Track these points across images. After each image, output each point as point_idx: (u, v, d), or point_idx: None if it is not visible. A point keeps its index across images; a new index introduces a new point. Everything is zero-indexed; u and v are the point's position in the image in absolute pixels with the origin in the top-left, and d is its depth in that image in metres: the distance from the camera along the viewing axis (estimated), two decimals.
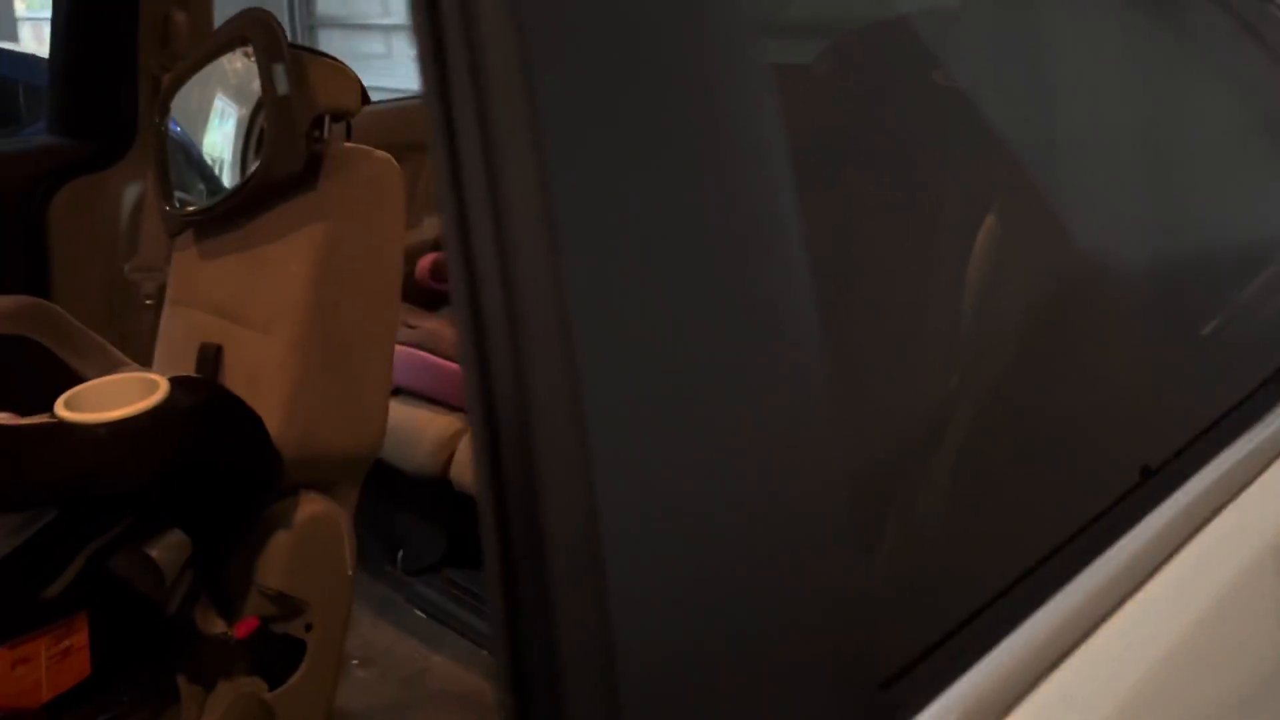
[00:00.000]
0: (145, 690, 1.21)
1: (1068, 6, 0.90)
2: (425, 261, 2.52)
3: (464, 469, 1.96)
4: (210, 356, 1.43)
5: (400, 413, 2.10)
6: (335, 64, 1.46)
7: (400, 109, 2.64)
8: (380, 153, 1.44)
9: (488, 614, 0.47)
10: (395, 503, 2.12)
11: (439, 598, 2.08)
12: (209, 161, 1.52)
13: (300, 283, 1.37)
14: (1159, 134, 0.97)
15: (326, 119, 1.46)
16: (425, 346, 2.09)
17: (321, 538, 1.39)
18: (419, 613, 2.08)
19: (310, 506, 1.38)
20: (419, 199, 2.71)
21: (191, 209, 1.52)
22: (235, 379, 1.40)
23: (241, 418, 1.28)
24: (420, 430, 2.04)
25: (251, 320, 1.41)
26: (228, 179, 1.48)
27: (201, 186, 1.53)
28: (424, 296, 2.57)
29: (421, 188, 2.71)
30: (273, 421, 1.33)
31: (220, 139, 1.48)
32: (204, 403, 1.24)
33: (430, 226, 2.70)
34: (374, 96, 1.56)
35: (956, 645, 0.60)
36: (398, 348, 2.12)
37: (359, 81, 1.48)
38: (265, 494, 1.34)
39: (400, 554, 2.19)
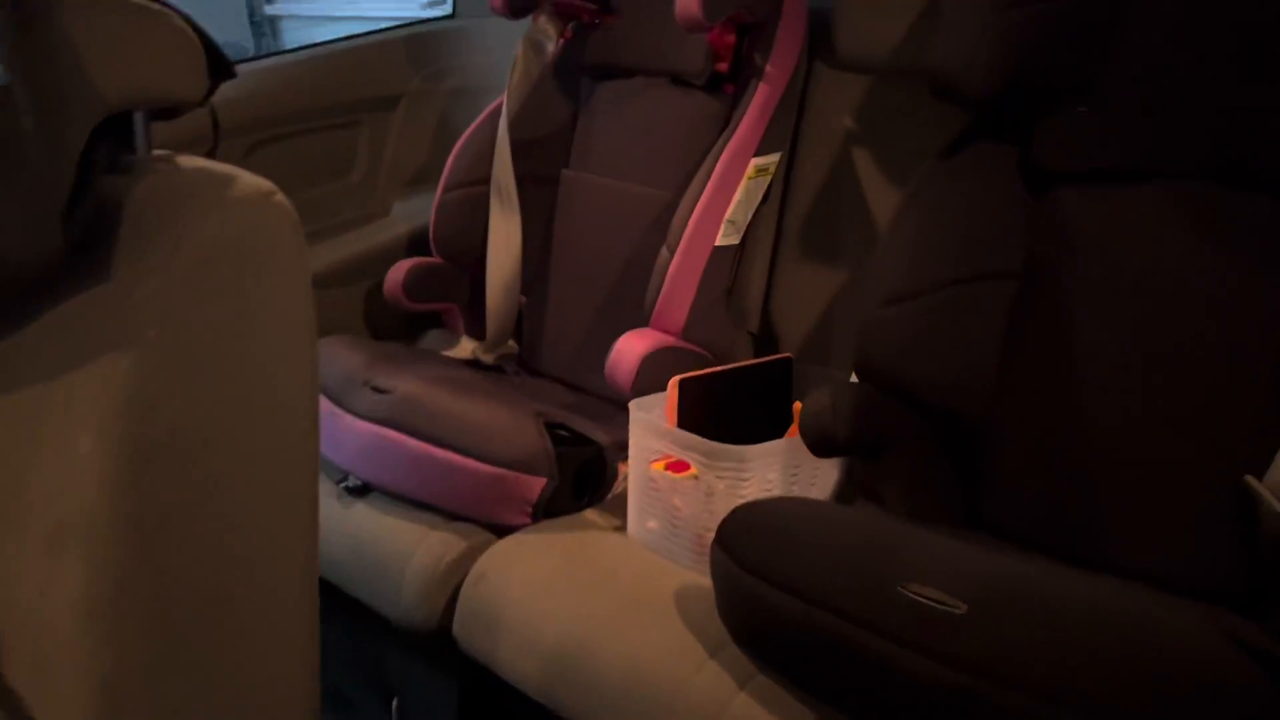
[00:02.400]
0: None
1: None
2: (399, 271, 1.79)
3: (473, 622, 1.29)
4: None
5: (368, 525, 1.41)
6: (149, 7, 0.74)
7: (354, 51, 1.89)
8: (249, 182, 0.73)
9: None
10: (383, 639, 1.45)
11: None
12: None
13: (96, 473, 0.67)
14: None
15: (139, 119, 0.75)
16: (401, 422, 1.40)
17: None
18: None
19: None
20: (383, 176, 2.02)
21: None
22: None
23: None
24: (399, 561, 1.36)
25: (23, 539, 0.71)
26: None
27: None
28: (392, 322, 1.86)
29: (389, 159, 1.99)
30: None
31: None
32: None
33: (402, 216, 1.97)
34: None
35: None
36: (357, 425, 1.42)
37: (200, 35, 0.76)
38: None
39: (395, 704, 1.52)
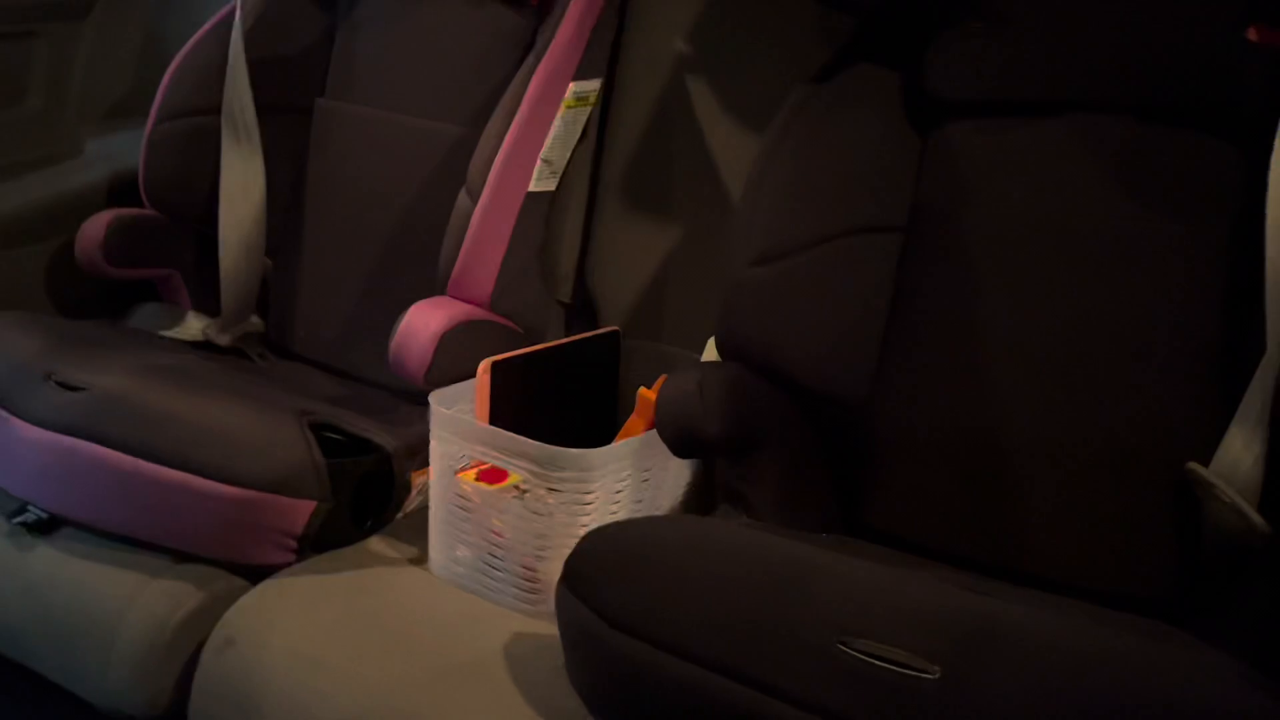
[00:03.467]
0: None
1: None
2: (97, 225, 1.37)
3: (216, 708, 0.92)
4: None
5: (57, 574, 1.02)
6: None
7: None
8: None
9: None
10: None
11: None
12: None
13: None
14: None
15: None
16: (101, 430, 1.01)
17: None
18: None
19: None
20: (70, 105, 1.54)
21: None
22: None
23: None
24: (105, 623, 0.97)
25: None
26: None
27: None
28: (88, 294, 1.42)
29: (78, 82, 1.53)
30: None
31: None
32: None
33: (99, 156, 1.53)
34: None
35: None
36: (36, 435, 1.02)
37: None
38: None
39: None
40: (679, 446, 0.98)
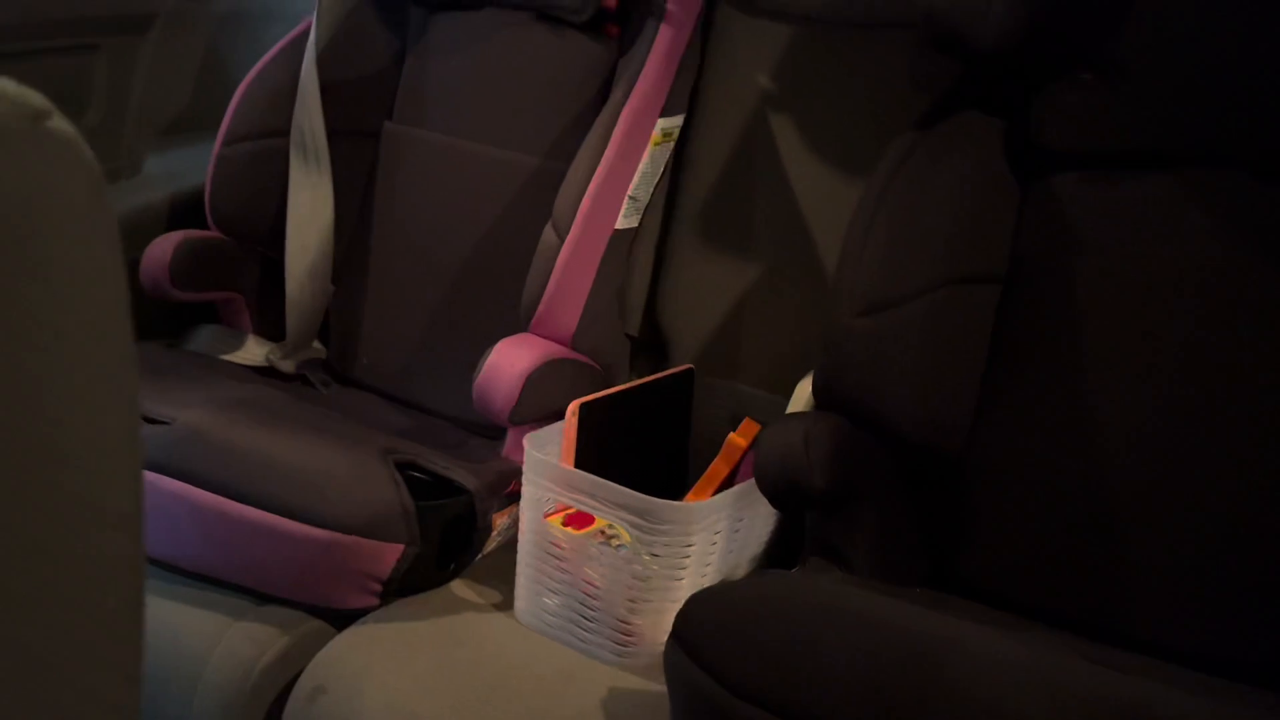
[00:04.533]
0: None
1: None
2: (163, 248, 1.35)
3: None
4: None
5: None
6: None
7: None
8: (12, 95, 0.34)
9: None
10: None
11: None
12: None
13: None
14: None
15: None
16: (187, 466, 0.98)
17: None
18: None
19: None
20: (129, 121, 1.53)
21: None
22: None
23: None
24: (188, 667, 0.95)
25: None
26: None
27: None
28: (149, 317, 1.40)
29: (138, 98, 1.51)
30: None
31: None
32: None
33: (160, 174, 1.51)
34: None
35: None
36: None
37: None
38: None
39: None
40: (780, 499, 0.96)
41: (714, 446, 1.24)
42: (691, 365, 1.25)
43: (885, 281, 0.99)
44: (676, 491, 1.21)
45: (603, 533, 0.96)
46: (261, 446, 1.00)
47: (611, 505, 0.93)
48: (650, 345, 1.36)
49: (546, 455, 0.99)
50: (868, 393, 0.99)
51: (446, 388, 1.31)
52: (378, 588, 0.99)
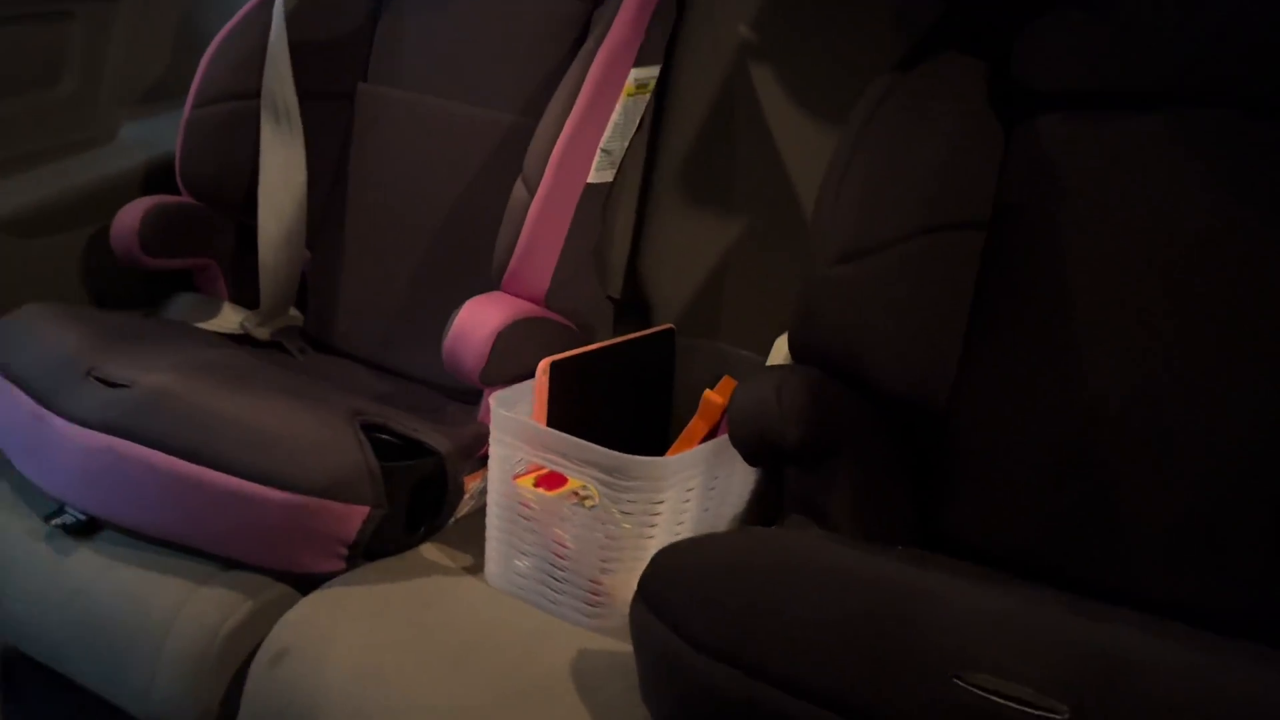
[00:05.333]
0: None
1: None
2: (133, 214, 1.33)
3: (267, 717, 0.88)
4: None
5: (98, 580, 0.98)
6: None
7: None
8: None
9: None
10: None
11: None
12: None
13: None
14: None
15: None
16: (147, 429, 0.96)
17: None
18: None
19: None
20: (105, 88, 1.49)
21: None
22: None
23: None
24: (150, 633, 0.93)
25: None
26: None
27: None
28: (123, 284, 1.38)
29: (113, 64, 1.48)
30: None
31: None
32: None
33: (135, 141, 1.49)
34: None
35: None
36: (78, 435, 0.98)
37: None
38: None
39: None
40: (754, 454, 0.93)
41: (694, 407, 1.22)
42: (671, 325, 1.21)
43: (862, 228, 0.96)
44: (658, 453, 1.19)
45: (575, 494, 0.93)
46: (223, 409, 0.98)
47: (581, 463, 0.90)
48: (632, 306, 1.33)
49: (516, 414, 0.97)
50: (845, 344, 0.96)
51: (424, 351, 1.28)
52: (344, 551, 0.97)
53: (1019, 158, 1.00)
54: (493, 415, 0.96)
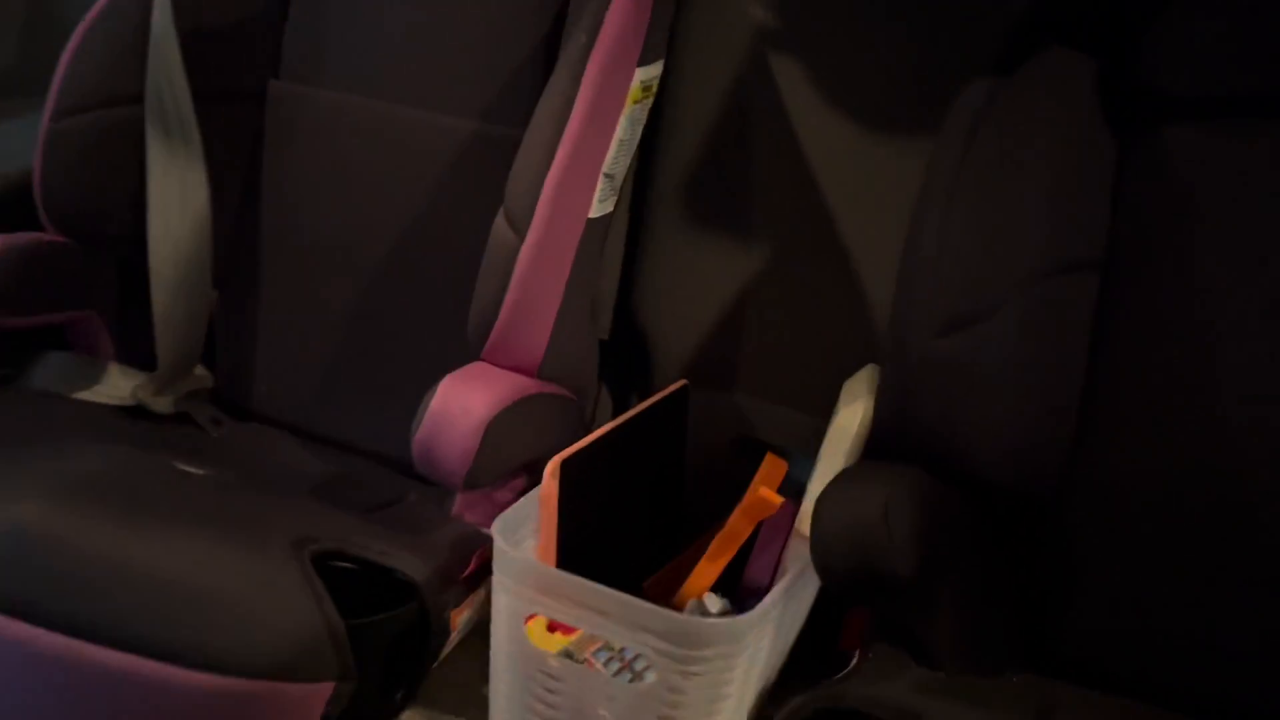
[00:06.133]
0: None
1: None
2: None
3: None
4: None
5: None
6: None
7: None
8: None
9: None
10: None
11: None
12: None
13: None
14: None
15: None
16: (17, 595, 0.69)
17: None
18: None
19: None
20: None
21: None
22: None
23: None
24: None
25: None
26: None
27: None
28: None
29: None
30: None
31: None
32: None
33: None
34: None
35: None
36: None
37: None
38: None
39: None
40: (850, 589, 0.71)
41: (710, 474, 1.00)
42: (685, 381, 0.99)
43: (970, 288, 0.74)
44: (672, 537, 0.97)
45: (611, 653, 0.70)
46: (121, 555, 0.72)
47: (629, 626, 0.67)
48: (624, 349, 1.09)
49: (522, 544, 0.73)
50: (950, 429, 0.75)
51: (370, 416, 1.03)
52: None
53: (1140, 178, 0.79)
54: (495, 553, 0.72)
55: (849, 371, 0.90)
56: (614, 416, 0.90)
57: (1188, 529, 0.77)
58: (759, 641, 0.71)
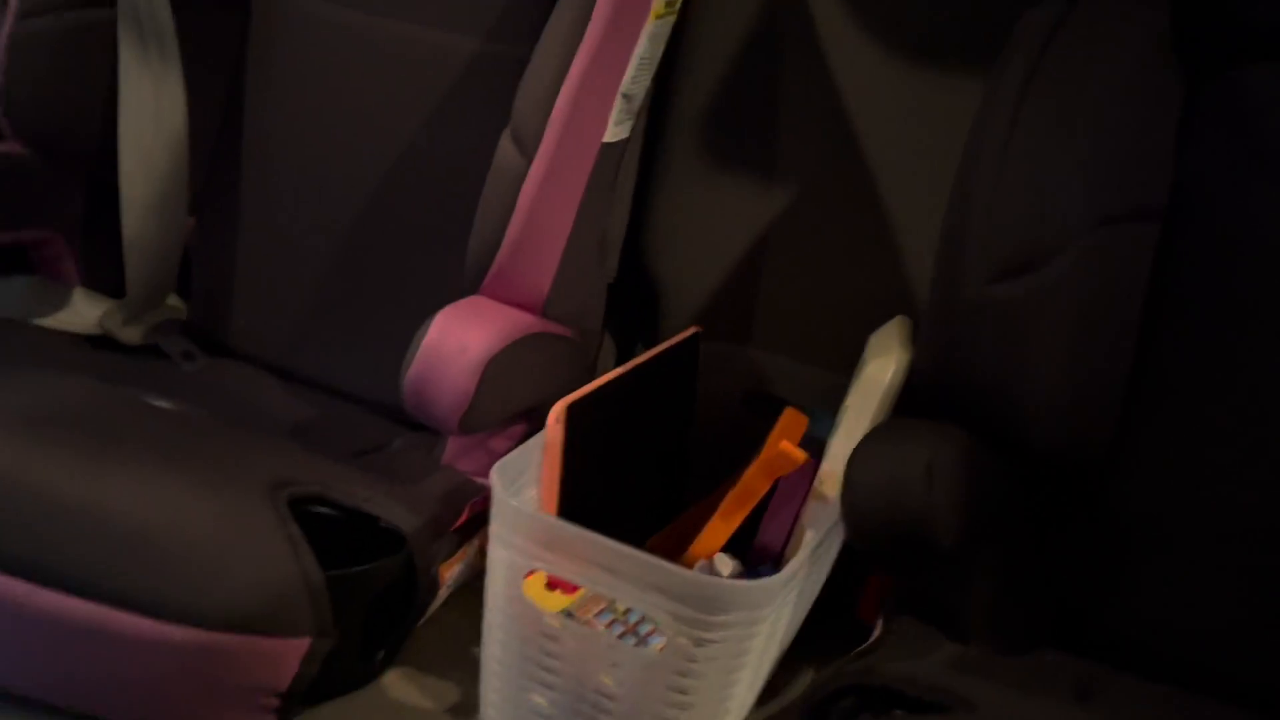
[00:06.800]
0: None
1: None
2: None
3: None
4: None
5: None
6: None
7: None
8: None
9: None
10: None
11: None
12: None
13: None
14: None
15: None
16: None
17: None
18: None
19: None
20: None
21: None
22: None
23: None
24: None
25: None
26: None
27: None
28: None
29: None
30: None
31: None
32: None
33: None
34: None
35: None
36: None
37: None
38: None
39: None
40: (886, 555, 0.65)
41: (719, 429, 0.94)
42: (697, 328, 0.92)
43: (1028, 231, 0.68)
44: (677, 494, 0.90)
45: (613, 614, 0.64)
46: (84, 498, 0.65)
47: (639, 585, 0.61)
48: (631, 293, 1.02)
49: (520, 494, 0.66)
50: (998, 383, 0.68)
51: (356, 356, 0.96)
52: (275, 703, 0.66)
53: (1210, 121, 0.73)
54: (494, 501, 0.65)
55: (873, 326, 0.84)
56: (617, 365, 0.84)
57: (1245, 509, 0.71)
58: (782, 609, 0.64)
